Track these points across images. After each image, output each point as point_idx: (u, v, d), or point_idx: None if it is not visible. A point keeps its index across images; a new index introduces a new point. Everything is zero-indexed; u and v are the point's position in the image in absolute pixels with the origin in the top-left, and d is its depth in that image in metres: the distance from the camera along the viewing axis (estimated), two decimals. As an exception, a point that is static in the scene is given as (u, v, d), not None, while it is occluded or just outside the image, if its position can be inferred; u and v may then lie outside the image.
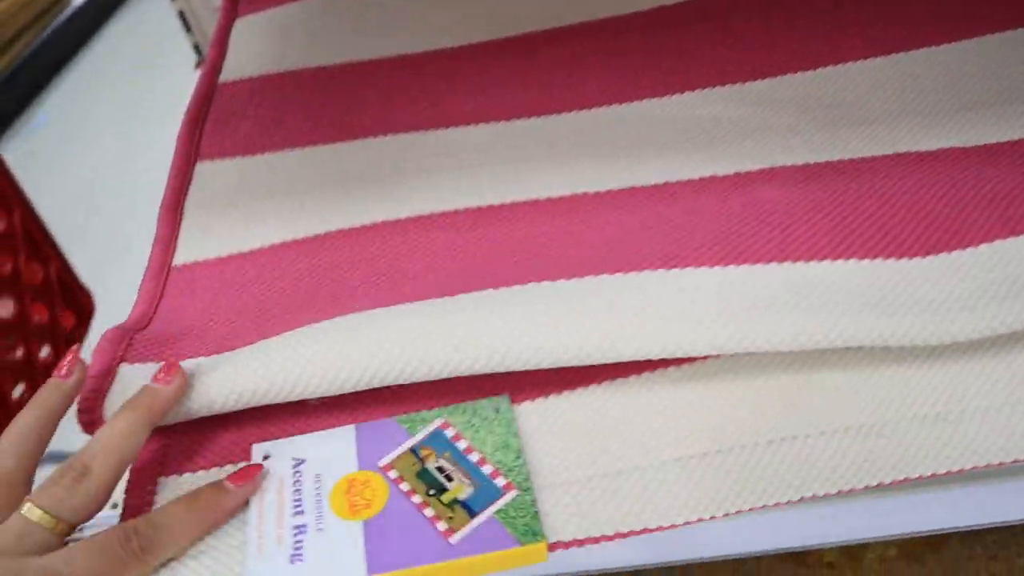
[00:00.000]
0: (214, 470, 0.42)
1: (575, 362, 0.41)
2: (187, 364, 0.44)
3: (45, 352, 0.90)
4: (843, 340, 0.41)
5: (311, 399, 0.43)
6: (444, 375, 0.41)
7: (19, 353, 0.86)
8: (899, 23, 0.65)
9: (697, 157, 0.55)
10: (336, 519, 0.38)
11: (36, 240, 0.87)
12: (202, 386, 0.41)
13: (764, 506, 0.39)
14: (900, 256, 0.45)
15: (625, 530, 0.38)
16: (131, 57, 1.91)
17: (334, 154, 0.59)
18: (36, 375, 0.88)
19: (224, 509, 0.38)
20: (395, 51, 0.71)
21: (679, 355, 0.40)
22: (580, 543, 0.38)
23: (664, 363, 0.44)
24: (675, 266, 0.45)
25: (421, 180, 0.56)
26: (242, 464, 0.41)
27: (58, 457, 0.38)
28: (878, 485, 0.40)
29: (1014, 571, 0.55)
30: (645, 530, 0.38)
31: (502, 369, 0.41)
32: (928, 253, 0.45)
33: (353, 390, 0.41)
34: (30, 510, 0.34)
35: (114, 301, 0.97)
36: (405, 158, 0.58)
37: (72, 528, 0.35)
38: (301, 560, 0.37)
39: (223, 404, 0.41)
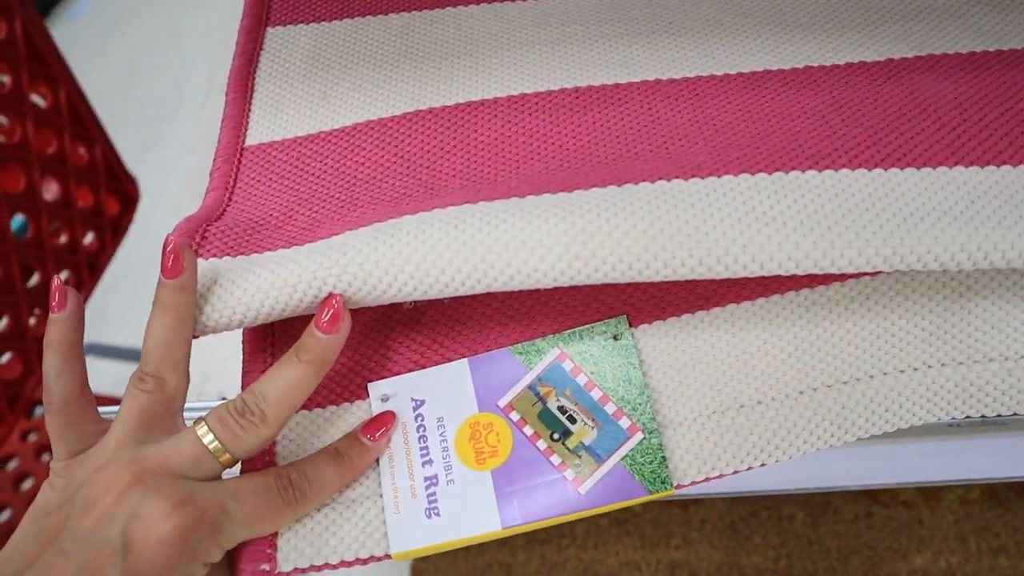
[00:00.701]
0: (331, 408, 0.41)
1: (708, 275, 0.36)
2: (265, 255, 0.40)
3: (89, 239, 0.86)
4: None
5: (406, 303, 0.39)
6: (561, 283, 0.36)
7: (63, 239, 0.82)
8: None
9: (842, 40, 0.47)
10: (464, 469, 0.38)
11: (82, 119, 0.82)
12: (283, 283, 0.37)
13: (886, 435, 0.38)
14: None
15: (744, 467, 0.38)
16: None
17: (421, 23, 0.52)
18: (80, 262, 0.84)
19: (366, 466, 0.39)
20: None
21: (831, 270, 0.35)
22: (698, 483, 0.38)
23: (796, 285, 0.41)
24: (827, 167, 0.38)
25: (521, 55, 0.49)
26: (357, 401, 0.41)
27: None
28: (1014, 415, 0.39)
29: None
30: (763, 465, 0.38)
31: (624, 279, 0.36)
32: None
33: (454, 294, 0.37)
34: (205, 434, 0.35)
35: (152, 194, 0.94)
36: (502, 30, 0.51)
37: (234, 464, 0.36)
38: (438, 515, 0.38)
39: (309, 304, 0.37)
